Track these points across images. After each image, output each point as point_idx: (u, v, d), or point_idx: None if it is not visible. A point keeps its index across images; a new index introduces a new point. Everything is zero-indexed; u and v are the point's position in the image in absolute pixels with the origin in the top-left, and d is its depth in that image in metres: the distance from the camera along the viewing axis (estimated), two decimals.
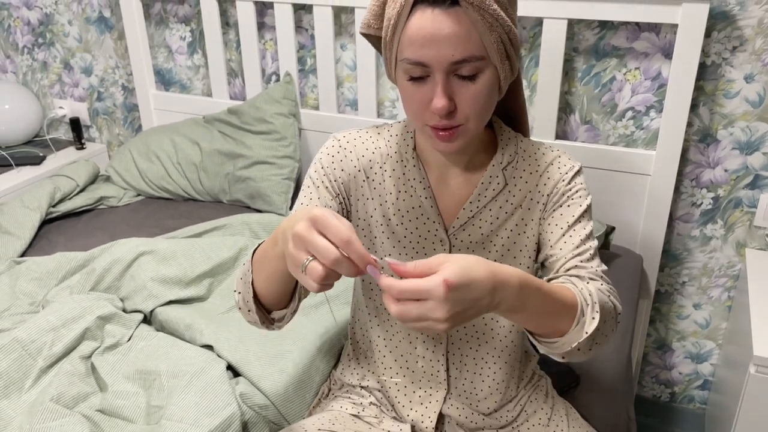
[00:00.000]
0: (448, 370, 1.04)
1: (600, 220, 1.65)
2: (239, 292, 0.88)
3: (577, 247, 0.93)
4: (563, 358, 0.85)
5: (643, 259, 1.68)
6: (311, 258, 0.66)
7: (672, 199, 1.64)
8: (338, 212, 0.97)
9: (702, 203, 1.68)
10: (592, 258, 0.93)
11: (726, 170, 1.62)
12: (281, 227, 0.75)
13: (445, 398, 1.05)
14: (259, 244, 0.86)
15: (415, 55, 0.81)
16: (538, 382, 1.12)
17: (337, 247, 0.65)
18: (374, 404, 1.09)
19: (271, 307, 0.89)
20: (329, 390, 1.18)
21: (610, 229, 1.63)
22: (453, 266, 0.66)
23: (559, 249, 0.93)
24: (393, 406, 1.07)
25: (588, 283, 0.88)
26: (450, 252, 0.97)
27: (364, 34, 0.91)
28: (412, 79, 0.84)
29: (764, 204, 1.60)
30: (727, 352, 1.69)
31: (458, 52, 0.80)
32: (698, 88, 1.57)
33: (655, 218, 1.64)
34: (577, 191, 0.95)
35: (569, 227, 0.94)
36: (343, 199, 0.99)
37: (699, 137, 1.62)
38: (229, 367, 1.27)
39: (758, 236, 1.66)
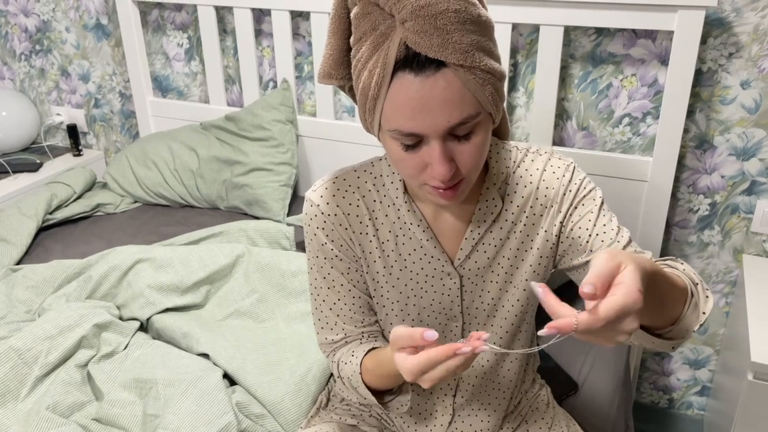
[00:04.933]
0: (455, 395, 1.03)
1: None
2: (359, 398, 0.94)
3: (616, 240, 0.89)
4: (673, 348, 0.81)
5: None
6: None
7: (669, 205, 1.64)
8: (361, 274, 0.96)
9: (699, 209, 1.68)
10: (633, 246, 0.90)
11: (723, 176, 1.63)
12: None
13: (450, 422, 1.04)
14: (361, 368, 0.91)
15: (406, 127, 0.75)
16: (539, 391, 1.12)
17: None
18: (374, 417, 1.08)
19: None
20: (328, 400, 1.17)
21: None
22: (635, 271, 0.61)
23: (598, 249, 0.89)
24: (394, 422, 1.07)
25: (681, 264, 0.84)
26: (461, 282, 0.94)
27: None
28: (406, 147, 0.77)
29: (761, 210, 1.60)
30: (725, 359, 1.69)
31: (453, 117, 0.73)
32: (694, 95, 1.58)
33: (652, 224, 1.64)
34: (584, 188, 0.91)
35: (594, 225, 0.90)
36: (356, 262, 0.95)
37: (695, 143, 1.62)
38: (226, 376, 1.26)
39: (755, 242, 1.66)
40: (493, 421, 1.04)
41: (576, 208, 0.92)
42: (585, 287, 0.59)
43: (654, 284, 0.68)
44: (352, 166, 0.96)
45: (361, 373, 0.90)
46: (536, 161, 0.93)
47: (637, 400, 1.98)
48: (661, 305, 0.75)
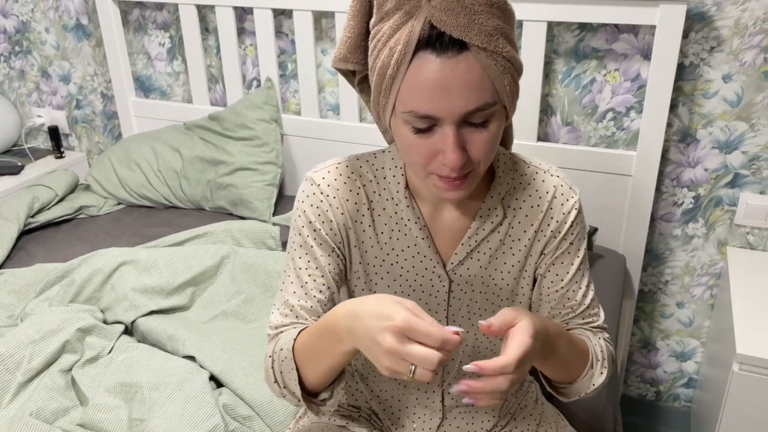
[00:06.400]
0: (443, 400, 1.02)
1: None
2: (281, 386, 0.87)
3: (580, 304, 0.94)
4: (567, 399, 0.94)
5: (626, 259, 1.69)
6: (414, 366, 0.69)
7: (653, 199, 1.65)
8: (338, 264, 0.93)
9: (683, 202, 1.69)
10: (593, 307, 0.95)
11: (706, 169, 1.64)
12: (342, 325, 0.74)
13: (439, 425, 1.03)
14: (295, 338, 0.84)
15: (422, 108, 0.73)
16: (528, 388, 1.12)
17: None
18: (364, 417, 1.08)
19: (315, 390, 0.87)
20: None
21: (593, 230, 1.64)
22: (528, 324, 0.74)
23: (562, 305, 0.94)
24: (383, 423, 1.06)
25: (600, 339, 0.94)
26: (450, 287, 0.93)
27: (338, 69, 0.85)
28: (417, 130, 0.76)
29: (744, 202, 1.62)
30: (711, 350, 1.70)
31: (471, 102, 0.73)
32: (677, 89, 1.58)
33: (637, 218, 1.65)
34: (578, 235, 0.92)
35: (569, 281, 0.93)
36: (340, 251, 0.93)
37: (679, 137, 1.63)
38: (213, 378, 1.25)
39: (739, 234, 1.67)
40: (483, 423, 1.04)
41: (562, 254, 0.93)
42: (483, 322, 0.73)
43: (551, 342, 0.81)
44: (355, 154, 0.94)
45: (295, 339, 0.84)
46: (547, 182, 0.92)
47: (624, 393, 1.99)
48: (562, 362, 0.86)
